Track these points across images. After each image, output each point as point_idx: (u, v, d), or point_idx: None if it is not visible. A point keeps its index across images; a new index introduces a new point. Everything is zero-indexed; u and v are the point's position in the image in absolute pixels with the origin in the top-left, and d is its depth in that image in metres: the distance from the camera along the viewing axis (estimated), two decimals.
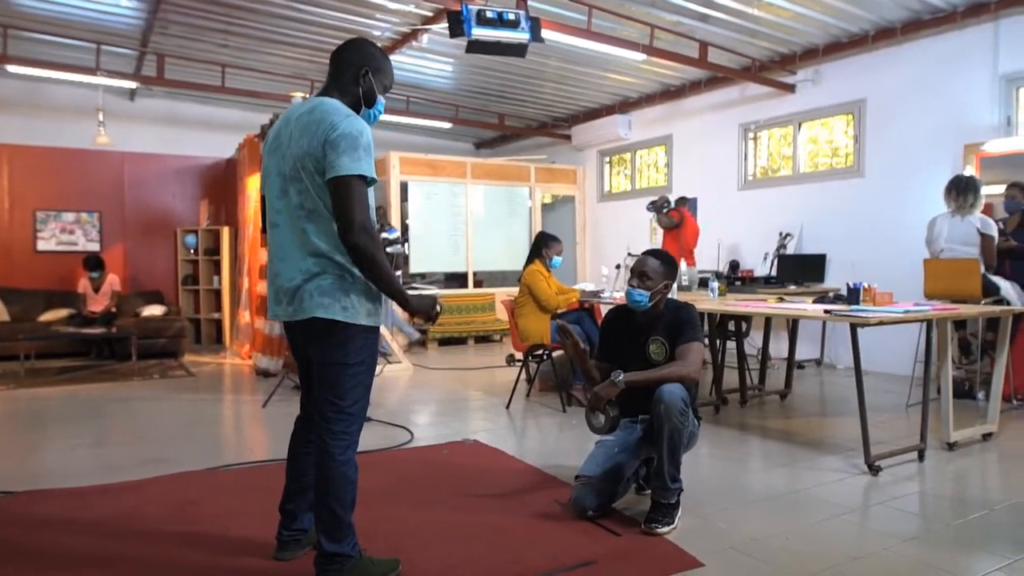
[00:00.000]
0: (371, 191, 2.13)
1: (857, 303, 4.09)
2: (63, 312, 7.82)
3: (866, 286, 4.19)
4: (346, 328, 2.15)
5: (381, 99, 2.31)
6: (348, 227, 2.04)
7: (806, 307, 3.97)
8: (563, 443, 4.21)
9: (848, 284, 4.17)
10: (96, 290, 7.84)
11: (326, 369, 2.19)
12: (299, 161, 2.11)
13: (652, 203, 7.17)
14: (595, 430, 3.00)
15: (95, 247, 8.65)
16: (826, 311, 3.57)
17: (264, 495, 3.07)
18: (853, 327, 3.39)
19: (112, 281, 7.93)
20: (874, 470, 3.41)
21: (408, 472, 3.56)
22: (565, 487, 3.16)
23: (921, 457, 3.66)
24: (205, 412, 5.08)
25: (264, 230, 2.43)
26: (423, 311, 2.32)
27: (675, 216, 7.04)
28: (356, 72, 2.24)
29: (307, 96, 5.34)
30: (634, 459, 2.99)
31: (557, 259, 5.26)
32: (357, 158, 2.05)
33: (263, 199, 2.36)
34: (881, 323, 3.33)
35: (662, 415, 2.73)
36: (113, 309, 7.78)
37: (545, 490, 3.22)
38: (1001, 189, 5.69)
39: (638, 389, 2.87)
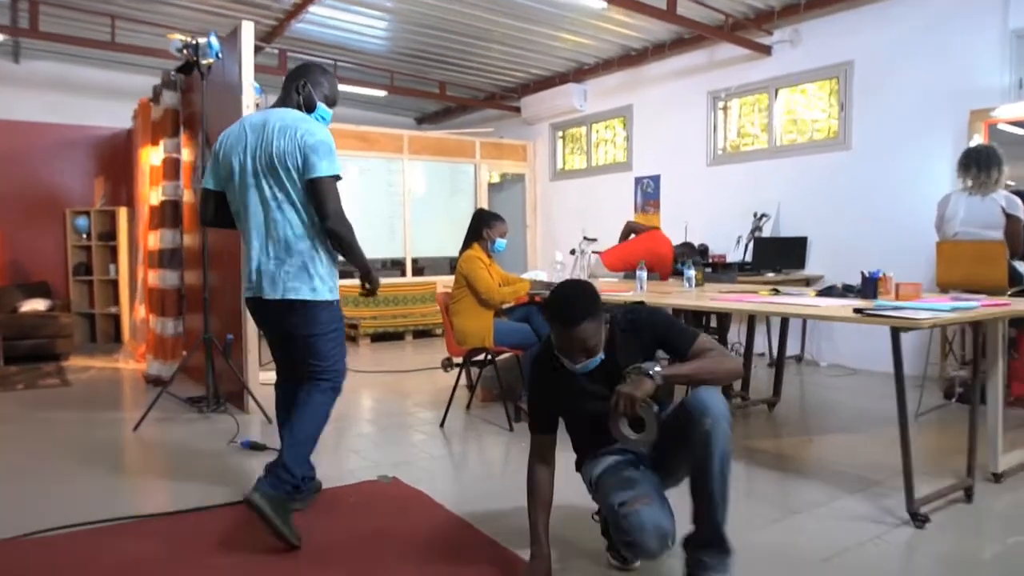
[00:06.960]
0: None
1: (874, 296, 3.29)
2: None
3: (882, 275, 3.41)
4: (315, 305, 2.59)
5: (323, 106, 2.74)
6: (327, 217, 2.51)
7: (818, 303, 3.11)
8: (510, 475, 3.28)
9: (863, 272, 3.37)
10: None
11: (306, 340, 2.63)
12: (278, 158, 2.52)
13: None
14: (633, 442, 2.05)
15: None
16: (856, 310, 2.70)
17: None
18: (895, 331, 2.52)
19: None
20: (919, 520, 2.57)
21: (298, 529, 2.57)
22: (509, 549, 2.23)
23: (968, 496, 2.85)
24: (55, 438, 3.98)
25: (204, 221, 2.82)
26: (374, 286, 2.76)
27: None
28: (296, 85, 2.71)
29: (186, 39, 4.69)
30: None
31: (501, 242, 4.31)
32: (332, 161, 2.54)
33: (213, 195, 2.74)
34: (935, 325, 2.48)
35: (709, 434, 1.89)
36: None
37: (477, 550, 2.28)
38: (1014, 162, 4.96)
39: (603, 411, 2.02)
